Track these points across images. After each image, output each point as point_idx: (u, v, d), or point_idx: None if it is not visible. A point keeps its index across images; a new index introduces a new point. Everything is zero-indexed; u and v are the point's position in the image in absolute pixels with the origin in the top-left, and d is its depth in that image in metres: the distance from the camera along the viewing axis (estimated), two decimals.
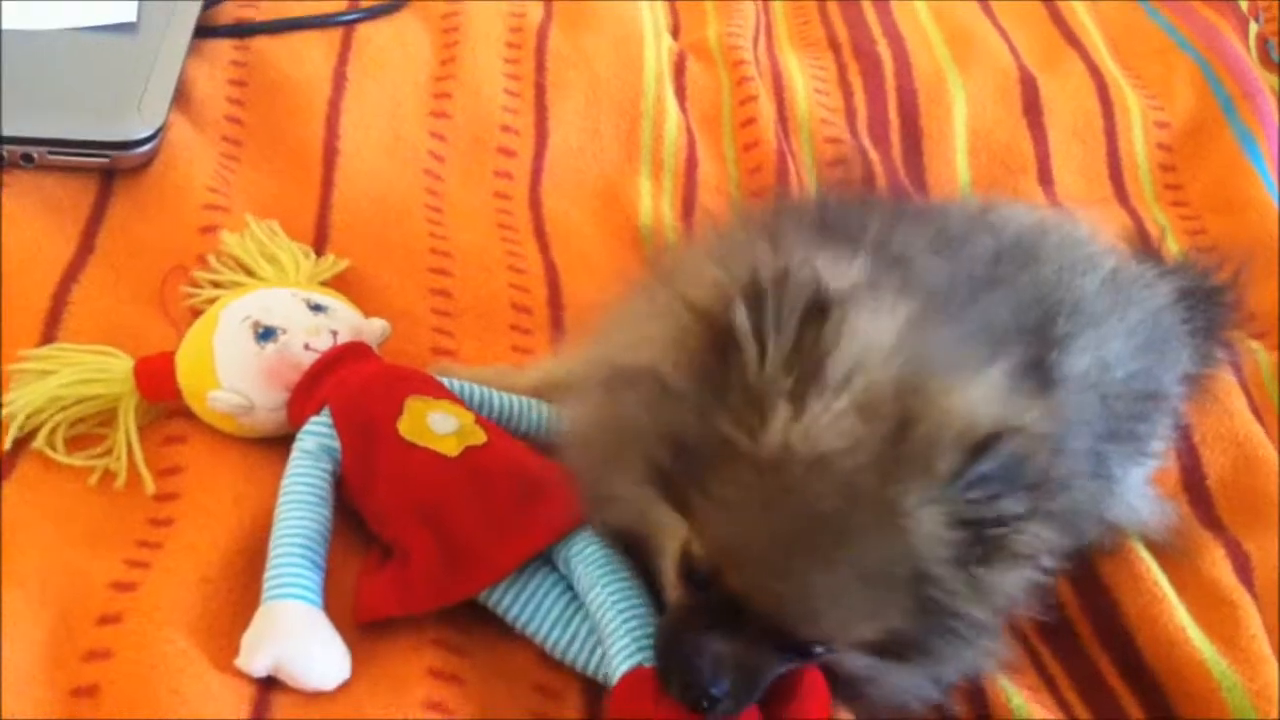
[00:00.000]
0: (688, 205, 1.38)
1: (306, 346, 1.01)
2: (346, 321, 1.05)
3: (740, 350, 0.77)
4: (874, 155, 1.46)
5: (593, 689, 0.89)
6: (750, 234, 0.96)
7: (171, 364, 1.01)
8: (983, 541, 0.78)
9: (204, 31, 1.40)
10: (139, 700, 0.80)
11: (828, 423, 0.76)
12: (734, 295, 0.78)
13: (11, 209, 1.16)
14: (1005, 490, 0.77)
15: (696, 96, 1.50)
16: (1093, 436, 0.94)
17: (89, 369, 1.01)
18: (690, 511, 0.80)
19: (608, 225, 1.34)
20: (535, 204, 1.35)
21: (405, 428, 0.94)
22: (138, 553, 0.92)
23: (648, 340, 0.85)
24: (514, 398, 1.04)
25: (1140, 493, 1.05)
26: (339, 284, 1.15)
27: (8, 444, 0.98)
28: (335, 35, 1.45)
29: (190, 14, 1.39)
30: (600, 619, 0.87)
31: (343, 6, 1.50)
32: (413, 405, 0.96)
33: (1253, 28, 1.68)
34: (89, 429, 1.01)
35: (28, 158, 1.21)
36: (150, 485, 0.97)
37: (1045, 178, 1.49)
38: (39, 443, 0.98)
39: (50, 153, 1.21)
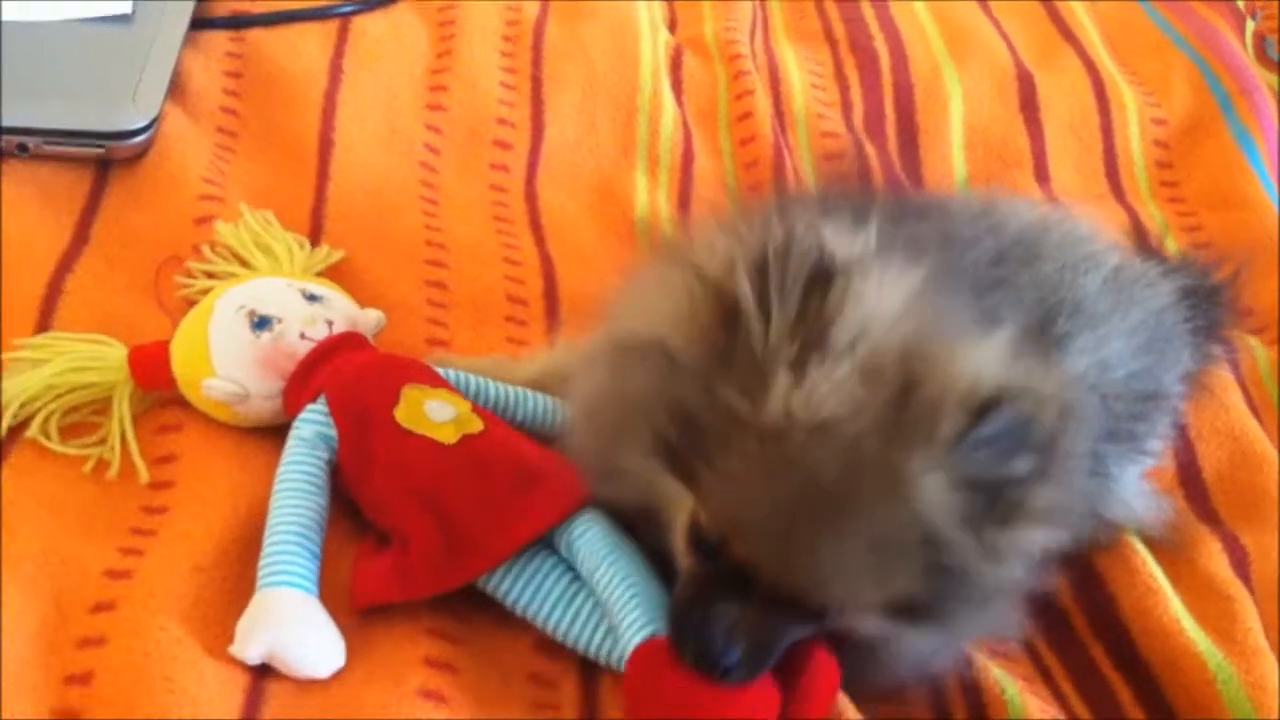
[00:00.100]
0: (684, 199, 1.38)
1: (302, 335, 1.01)
2: (342, 311, 1.05)
3: (746, 321, 0.77)
4: (870, 150, 1.46)
5: (589, 678, 0.89)
6: (763, 210, 0.95)
7: (166, 352, 1.01)
8: (993, 503, 0.77)
9: (200, 23, 1.40)
10: (132, 688, 0.80)
11: (829, 389, 0.76)
12: (740, 265, 0.78)
13: (7, 198, 1.16)
14: (1011, 451, 0.76)
15: (693, 91, 1.50)
16: (1091, 436, 0.94)
17: (83, 357, 1.01)
18: (696, 483, 0.80)
19: (603, 218, 1.34)
20: (531, 197, 1.35)
21: (402, 415, 0.94)
22: (132, 540, 0.92)
23: (656, 313, 0.84)
24: (510, 388, 1.03)
25: (1137, 490, 1.05)
26: (334, 275, 1.15)
27: (2, 432, 0.97)
28: (331, 28, 1.45)
29: (186, 6, 1.39)
30: (609, 595, 0.86)
31: None
32: (409, 393, 0.96)
33: (1249, 25, 1.68)
34: (83, 417, 1.01)
35: (23, 147, 1.21)
36: (144, 473, 0.97)
37: (1041, 174, 1.48)
38: (33, 431, 0.98)
39: (46, 143, 1.21)
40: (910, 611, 0.80)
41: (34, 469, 0.97)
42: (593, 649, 0.88)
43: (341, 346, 1.01)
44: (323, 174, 1.29)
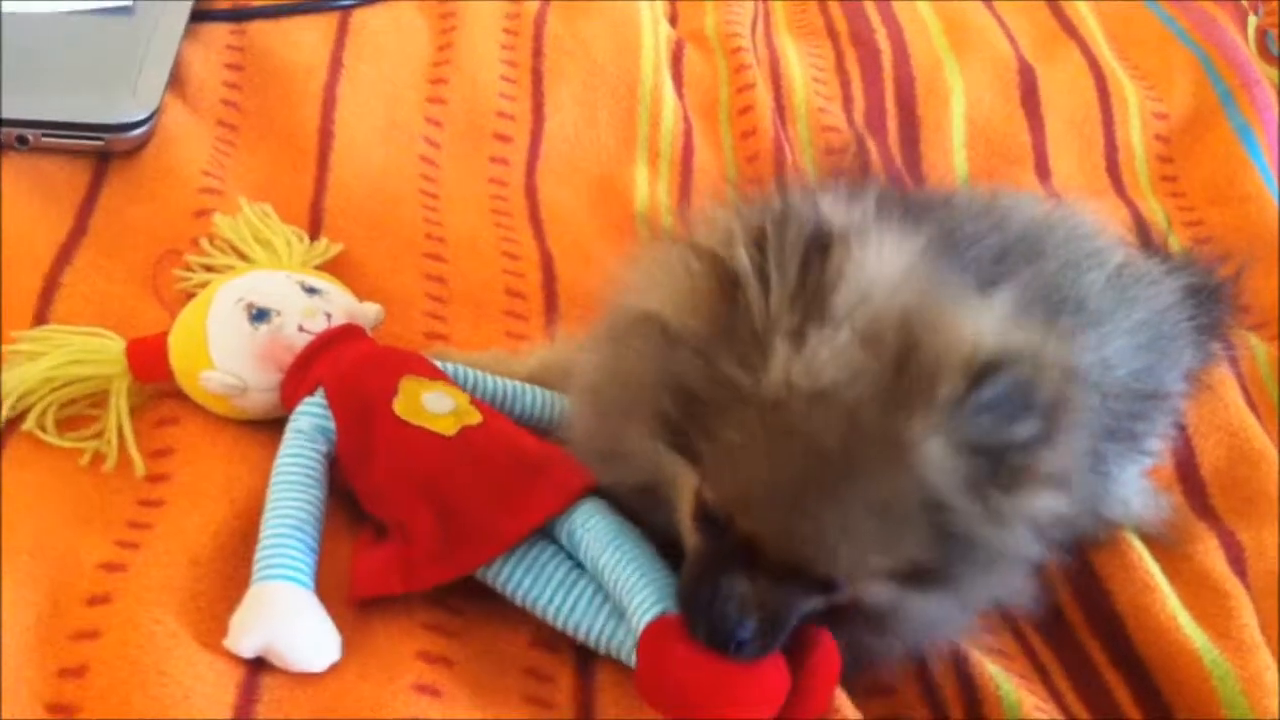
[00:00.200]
0: (684, 193, 1.38)
1: (300, 328, 1.01)
2: (340, 305, 1.05)
3: (745, 291, 0.77)
4: (871, 144, 1.46)
5: (585, 673, 0.89)
6: (762, 193, 0.95)
7: (164, 345, 1.01)
8: (996, 468, 0.77)
9: (200, 15, 1.41)
10: (126, 681, 0.80)
11: (828, 356, 0.75)
12: (739, 238, 0.78)
13: (6, 191, 1.16)
14: (1013, 415, 0.76)
15: (694, 84, 1.50)
16: (1091, 434, 0.93)
17: (81, 350, 1.01)
18: (699, 459, 0.80)
19: (604, 212, 1.34)
20: (531, 190, 1.35)
21: (401, 407, 0.94)
22: (128, 534, 0.92)
23: (655, 289, 0.84)
24: (508, 381, 1.03)
25: (1136, 488, 1.05)
26: (333, 268, 1.15)
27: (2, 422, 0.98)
28: (331, 20, 1.45)
29: None
30: (616, 579, 0.86)
31: None
32: (408, 385, 0.96)
33: (1252, 20, 1.68)
34: (80, 410, 1.01)
35: (23, 139, 1.21)
36: (141, 467, 0.97)
37: (1042, 168, 1.48)
38: (30, 424, 0.98)
39: (45, 135, 1.21)
40: (918, 578, 0.79)
41: (30, 461, 0.97)
42: (593, 635, 0.88)
43: (340, 339, 1.01)
44: (322, 167, 1.29)
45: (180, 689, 0.80)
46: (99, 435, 0.99)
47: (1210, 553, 1.04)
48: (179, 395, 1.01)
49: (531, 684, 0.89)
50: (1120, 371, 0.97)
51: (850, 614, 0.83)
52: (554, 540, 0.91)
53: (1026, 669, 0.96)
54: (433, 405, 0.95)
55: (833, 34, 1.62)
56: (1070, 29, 1.65)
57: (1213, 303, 1.14)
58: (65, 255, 1.13)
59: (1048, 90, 1.53)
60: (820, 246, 0.76)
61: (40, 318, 1.07)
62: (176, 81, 1.32)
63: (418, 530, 0.90)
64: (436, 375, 0.99)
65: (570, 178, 1.38)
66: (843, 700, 0.87)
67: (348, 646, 0.86)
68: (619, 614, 0.87)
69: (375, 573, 0.90)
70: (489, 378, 1.03)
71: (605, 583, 0.88)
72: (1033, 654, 0.98)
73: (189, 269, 1.13)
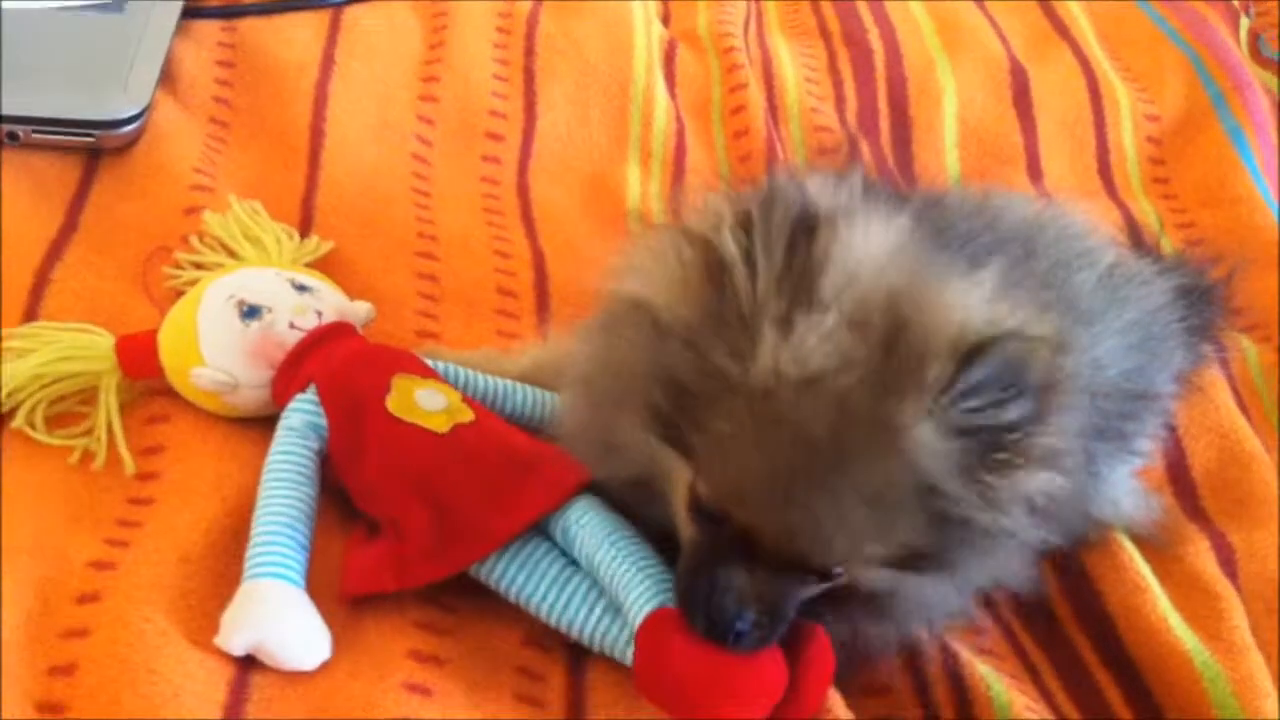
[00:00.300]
0: (677, 192, 1.38)
1: (291, 325, 1.00)
2: (331, 302, 1.05)
3: (732, 277, 0.77)
4: (863, 144, 1.46)
5: (577, 672, 0.89)
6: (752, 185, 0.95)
7: (154, 342, 1.01)
8: (988, 450, 0.77)
9: (192, 12, 1.40)
10: (116, 679, 0.80)
11: (816, 342, 0.75)
12: (725, 220, 0.77)
13: None
14: (1003, 397, 0.75)
15: (686, 84, 1.50)
16: (1081, 434, 0.93)
17: (71, 347, 1.01)
18: (691, 451, 0.80)
19: (596, 211, 1.34)
20: (523, 189, 1.35)
21: (394, 404, 0.94)
22: (118, 532, 0.91)
23: (645, 274, 0.83)
24: (499, 380, 1.03)
25: (1126, 489, 1.05)
26: (324, 266, 1.15)
27: None
28: (323, 18, 1.44)
29: None
30: (613, 574, 0.86)
31: None
32: (400, 383, 0.96)
33: (1244, 22, 1.68)
34: (70, 407, 1.00)
35: (13, 136, 1.21)
36: (130, 464, 0.97)
37: (1034, 169, 1.48)
38: (19, 421, 0.98)
39: (35, 131, 1.21)
40: (914, 562, 0.79)
41: (20, 459, 0.96)
42: (587, 632, 0.88)
43: (331, 336, 1.01)
44: (314, 164, 1.29)
45: (170, 687, 0.80)
46: (88, 433, 0.99)
47: (1201, 554, 1.04)
48: (169, 392, 1.01)
49: (523, 682, 0.88)
50: (1111, 371, 0.97)
51: (846, 600, 0.83)
52: (548, 537, 0.91)
53: (1017, 669, 0.96)
54: (426, 402, 0.95)
55: (825, 34, 1.62)
56: (1062, 30, 1.65)
57: (1204, 304, 1.14)
58: (55, 251, 1.12)
59: (1040, 91, 1.53)
60: (806, 228, 0.76)
61: (30, 314, 1.07)
62: (168, 78, 1.31)
63: (410, 527, 0.90)
64: (428, 373, 0.99)
65: (562, 177, 1.38)
66: (835, 700, 0.87)
67: (339, 644, 0.86)
68: (613, 611, 0.87)
69: (367, 570, 0.90)
70: (480, 376, 1.03)
71: (601, 578, 0.87)
72: (1024, 654, 0.98)
73: (179, 266, 1.12)
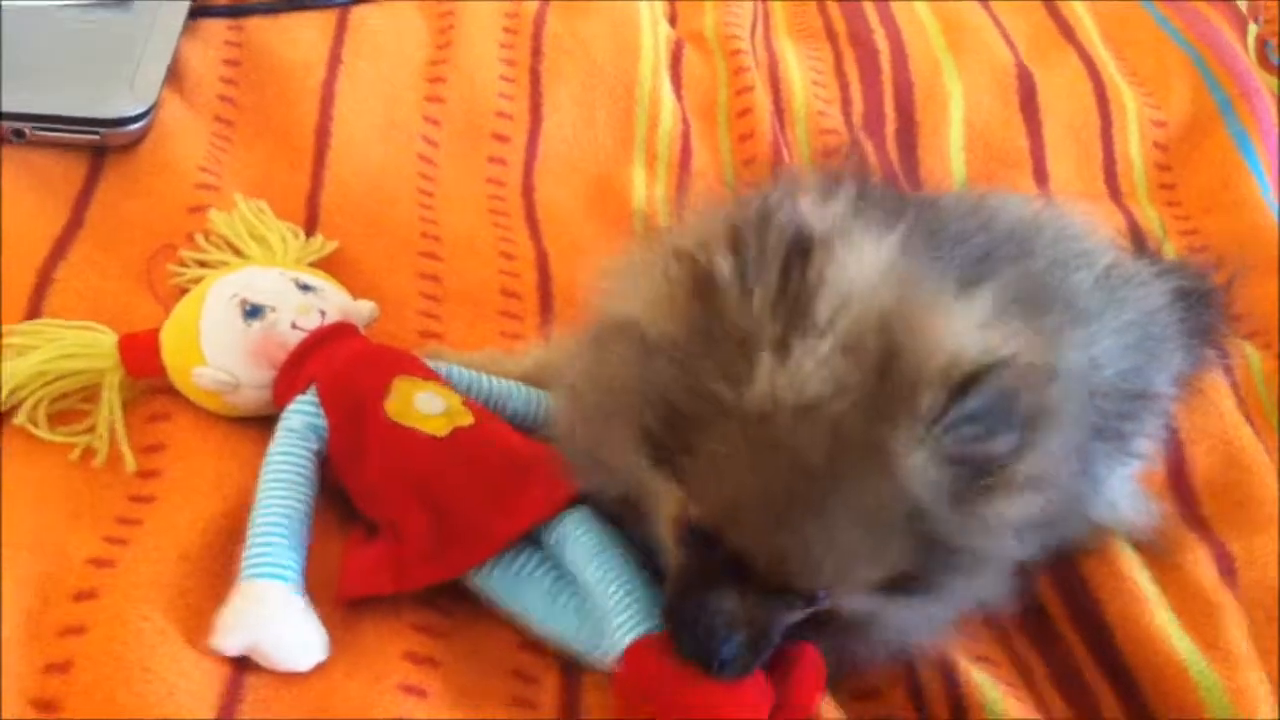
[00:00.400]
0: (681, 195, 1.37)
1: (294, 325, 1.01)
2: (335, 302, 1.05)
3: (724, 298, 0.76)
4: (869, 147, 1.45)
5: (571, 675, 0.89)
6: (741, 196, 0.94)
7: (157, 340, 1.01)
8: (977, 478, 0.77)
9: (199, 11, 1.41)
10: (111, 677, 0.80)
11: (812, 368, 0.75)
12: (717, 242, 0.77)
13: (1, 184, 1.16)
14: (994, 428, 0.75)
15: (693, 86, 1.50)
16: (1078, 435, 0.93)
17: (74, 344, 1.01)
18: (683, 474, 0.79)
19: (601, 213, 1.34)
20: (528, 190, 1.35)
21: (392, 408, 0.94)
22: (117, 529, 0.92)
23: (633, 292, 0.83)
24: (501, 381, 1.03)
25: (1125, 492, 1.04)
26: (328, 265, 1.15)
27: None
28: (330, 17, 1.45)
29: None
30: (600, 594, 0.86)
31: None
32: (400, 385, 0.96)
33: (1252, 29, 1.68)
34: (72, 405, 1.01)
35: (19, 133, 1.21)
36: (131, 462, 0.97)
37: (1040, 174, 1.48)
38: (21, 418, 0.98)
39: (41, 128, 1.21)
40: (902, 584, 0.79)
41: (21, 456, 0.97)
42: (575, 647, 0.88)
43: (333, 337, 1.01)
44: (319, 164, 1.29)
45: (165, 686, 0.80)
46: (90, 430, 0.99)
47: (1200, 562, 1.04)
48: (171, 391, 1.01)
49: (518, 685, 0.89)
50: (1108, 371, 0.97)
51: (829, 624, 0.83)
52: (539, 547, 0.91)
53: (1012, 675, 0.96)
54: (425, 406, 0.95)
55: (832, 37, 1.62)
56: (1069, 34, 1.64)
57: (1203, 307, 1.14)
58: (60, 250, 1.13)
59: (1046, 95, 1.53)
60: (801, 250, 0.76)
61: (33, 312, 1.07)
62: (174, 77, 1.32)
63: (409, 530, 0.90)
64: (429, 375, 0.99)
65: (568, 178, 1.38)
66: (826, 703, 0.87)
67: (335, 646, 0.86)
68: (602, 628, 0.87)
69: (365, 572, 0.90)
70: (483, 377, 1.03)
71: (589, 594, 0.87)
72: (1019, 659, 0.98)
73: (184, 264, 1.12)
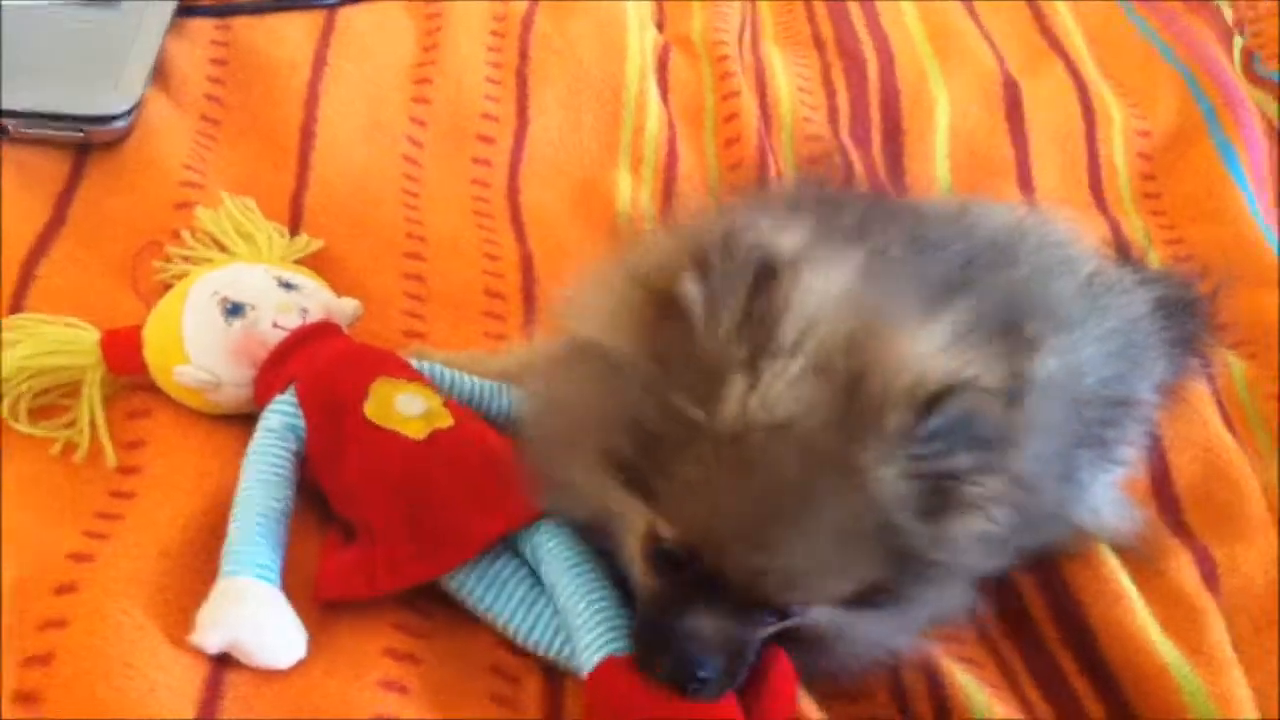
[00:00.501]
0: (667, 199, 1.38)
1: (275, 324, 1.00)
2: (318, 300, 1.05)
3: (690, 322, 0.77)
4: (855, 154, 1.46)
5: (552, 672, 0.89)
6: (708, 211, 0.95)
7: (139, 337, 1.00)
8: (943, 494, 0.78)
9: (186, 10, 1.40)
10: (91, 671, 0.80)
11: (783, 389, 0.76)
12: (680, 265, 0.77)
13: None
14: (956, 446, 0.76)
15: (679, 90, 1.50)
16: (1060, 441, 0.94)
17: (55, 340, 1.01)
18: (654, 496, 0.79)
19: (586, 215, 1.34)
20: (513, 192, 1.35)
21: (371, 410, 0.94)
22: (97, 524, 0.91)
23: (593, 314, 0.84)
24: (484, 382, 1.03)
25: (1108, 498, 1.05)
26: (312, 265, 1.15)
27: None
28: (317, 18, 1.45)
29: None
30: (569, 611, 0.86)
31: None
32: (379, 387, 0.96)
33: (1238, 40, 1.69)
34: (53, 400, 1.00)
35: (2, 129, 1.20)
36: (112, 458, 0.97)
37: (1025, 182, 1.48)
38: (2, 412, 0.98)
39: (25, 125, 1.21)
40: (872, 597, 0.80)
41: (2, 450, 0.96)
42: (552, 652, 0.88)
43: (314, 336, 1.01)
44: (304, 163, 1.29)
45: (145, 682, 0.80)
46: (71, 425, 0.99)
47: (1183, 568, 1.04)
48: (152, 388, 1.01)
49: (499, 683, 0.88)
50: (1090, 379, 0.97)
51: (799, 634, 0.83)
52: (517, 554, 0.91)
53: (996, 677, 0.96)
54: (404, 408, 0.95)
55: (819, 44, 1.62)
56: (1055, 43, 1.65)
57: (1186, 316, 1.15)
58: (42, 246, 1.12)
59: (1031, 104, 1.53)
60: (766, 275, 0.76)
61: (15, 307, 1.06)
62: (160, 75, 1.32)
63: (386, 533, 0.89)
64: (412, 375, 0.99)
65: (553, 181, 1.38)
66: (808, 705, 0.87)
67: (315, 644, 0.86)
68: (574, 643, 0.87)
69: (341, 575, 0.89)
70: (466, 378, 1.03)
71: (559, 607, 0.87)
72: (1003, 662, 0.98)
73: (169, 260, 1.12)
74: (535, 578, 0.90)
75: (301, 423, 0.95)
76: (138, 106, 1.25)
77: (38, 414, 0.99)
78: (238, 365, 0.99)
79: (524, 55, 1.48)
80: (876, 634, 0.86)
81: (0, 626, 0.82)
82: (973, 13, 1.69)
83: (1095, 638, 0.98)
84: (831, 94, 1.55)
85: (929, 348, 0.79)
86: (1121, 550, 1.03)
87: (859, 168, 1.43)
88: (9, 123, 1.20)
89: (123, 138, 1.24)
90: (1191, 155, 1.52)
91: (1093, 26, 1.69)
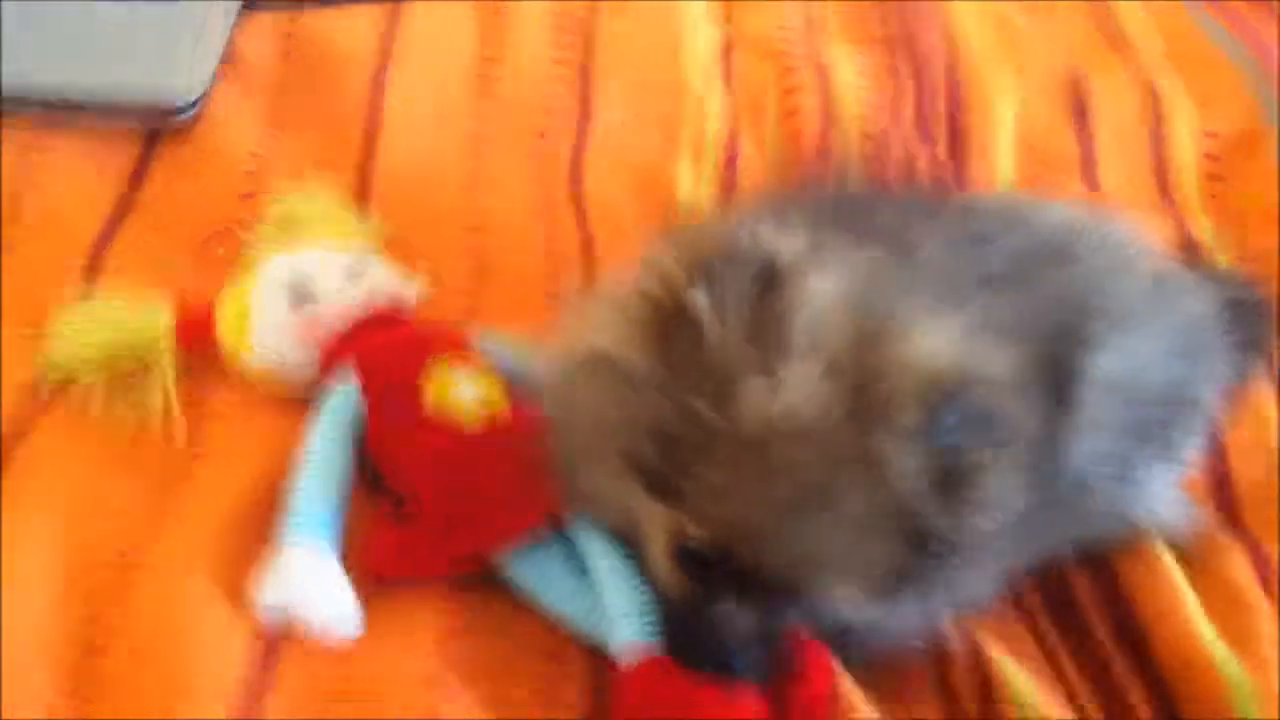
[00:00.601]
0: (726, 193, 1.38)
1: (341, 309, 1.02)
2: (383, 284, 1.06)
3: (700, 329, 0.78)
4: (918, 152, 1.45)
5: (599, 657, 0.89)
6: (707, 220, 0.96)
7: (210, 317, 1.03)
8: (958, 486, 0.78)
9: (253, 2, 1.43)
10: (151, 640, 0.82)
11: (800, 388, 0.77)
12: (683, 275, 0.79)
13: (54, 166, 1.18)
14: (967, 440, 0.78)
15: (741, 86, 1.50)
16: (1117, 439, 0.94)
17: (127, 320, 1.03)
18: (680, 498, 0.81)
19: (647, 208, 1.34)
20: (575, 181, 1.35)
21: (430, 395, 0.95)
22: (161, 498, 0.94)
23: (603, 325, 0.85)
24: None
25: (1166, 496, 1.04)
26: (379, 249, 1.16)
27: (45, 391, 1.00)
28: (383, 11, 1.46)
29: None
30: (605, 597, 0.87)
31: None
32: (439, 373, 0.97)
33: None
34: (125, 378, 1.02)
35: (72, 117, 1.22)
36: (179, 434, 0.99)
37: (1090, 181, 1.46)
38: (75, 390, 1.00)
39: (95, 112, 1.23)
40: (894, 584, 0.81)
41: (73, 425, 0.99)
42: (596, 638, 0.89)
43: (378, 320, 1.03)
44: (368, 153, 1.31)
45: (202, 650, 0.82)
46: (141, 403, 1.01)
47: (1237, 565, 1.03)
48: (218, 366, 1.03)
49: (548, 665, 0.89)
50: (1150, 377, 0.97)
51: (826, 628, 0.85)
52: (567, 538, 0.92)
53: (1041, 666, 0.96)
54: (461, 394, 0.96)
55: (884, 40, 1.62)
56: (1121, 41, 1.63)
57: (1252, 318, 1.13)
58: (111, 230, 1.15)
59: (1097, 102, 1.52)
60: (771, 281, 0.77)
61: (86, 291, 1.09)
62: (228, 65, 1.34)
63: (440, 514, 0.91)
64: (472, 360, 1.00)
65: (615, 173, 1.38)
66: (858, 700, 0.88)
67: (369, 618, 0.87)
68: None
69: (395, 552, 0.91)
70: (528, 359, 1.03)
71: (599, 597, 0.88)
72: (1048, 651, 0.98)
73: (238, 245, 1.14)
74: (581, 565, 0.91)
75: (362, 403, 0.96)
76: (205, 96, 1.27)
77: (110, 392, 1.01)
78: (303, 348, 1.01)
79: (587, 50, 1.48)
80: (890, 622, 0.87)
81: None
82: (1037, 10, 1.68)
83: (1145, 634, 0.97)
84: (896, 91, 1.54)
85: (940, 343, 0.80)
86: (1174, 546, 1.03)
87: (922, 165, 1.43)
88: (80, 110, 1.23)
89: (190, 126, 1.26)
90: (1259, 156, 1.50)
91: (1159, 24, 1.67)
